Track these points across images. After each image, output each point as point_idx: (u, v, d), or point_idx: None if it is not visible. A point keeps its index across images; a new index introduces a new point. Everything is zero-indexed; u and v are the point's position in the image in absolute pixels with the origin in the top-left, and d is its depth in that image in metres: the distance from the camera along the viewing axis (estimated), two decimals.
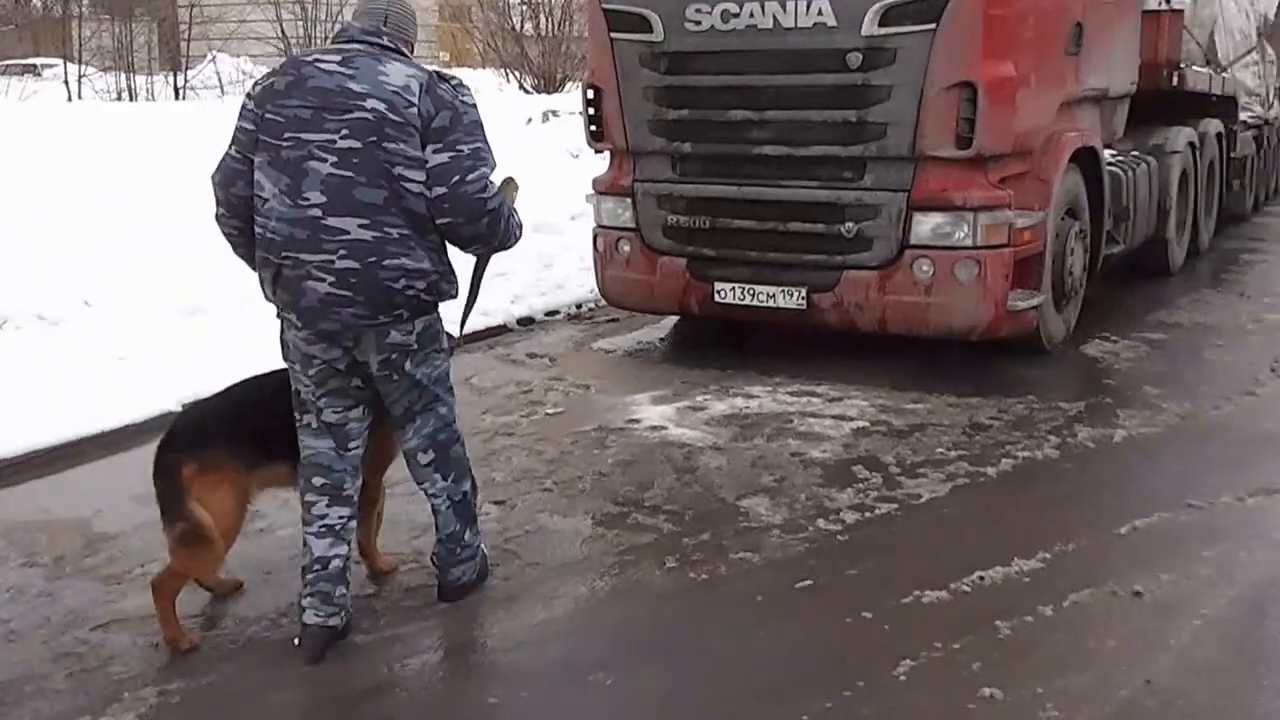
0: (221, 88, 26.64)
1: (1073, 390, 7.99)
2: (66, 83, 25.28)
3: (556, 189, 12.44)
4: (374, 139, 4.32)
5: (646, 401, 7.82)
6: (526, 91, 27.87)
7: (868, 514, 5.95)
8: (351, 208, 4.32)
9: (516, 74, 29.37)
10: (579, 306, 10.65)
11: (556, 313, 10.43)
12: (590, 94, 8.91)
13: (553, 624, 4.92)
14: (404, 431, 4.81)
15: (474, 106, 4.54)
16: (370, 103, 4.33)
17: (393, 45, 4.56)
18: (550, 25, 28.69)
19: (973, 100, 7.54)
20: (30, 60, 28.63)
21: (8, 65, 27.99)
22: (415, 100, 4.37)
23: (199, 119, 17.45)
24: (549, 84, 28.13)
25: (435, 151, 4.39)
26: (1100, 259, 9.44)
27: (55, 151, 13.75)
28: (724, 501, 6.15)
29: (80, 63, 26.15)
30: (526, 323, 10.09)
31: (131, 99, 25.44)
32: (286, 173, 4.34)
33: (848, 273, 8.06)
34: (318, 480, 4.67)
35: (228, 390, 5.05)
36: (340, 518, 4.70)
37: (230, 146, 4.52)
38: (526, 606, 5.05)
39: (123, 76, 26.44)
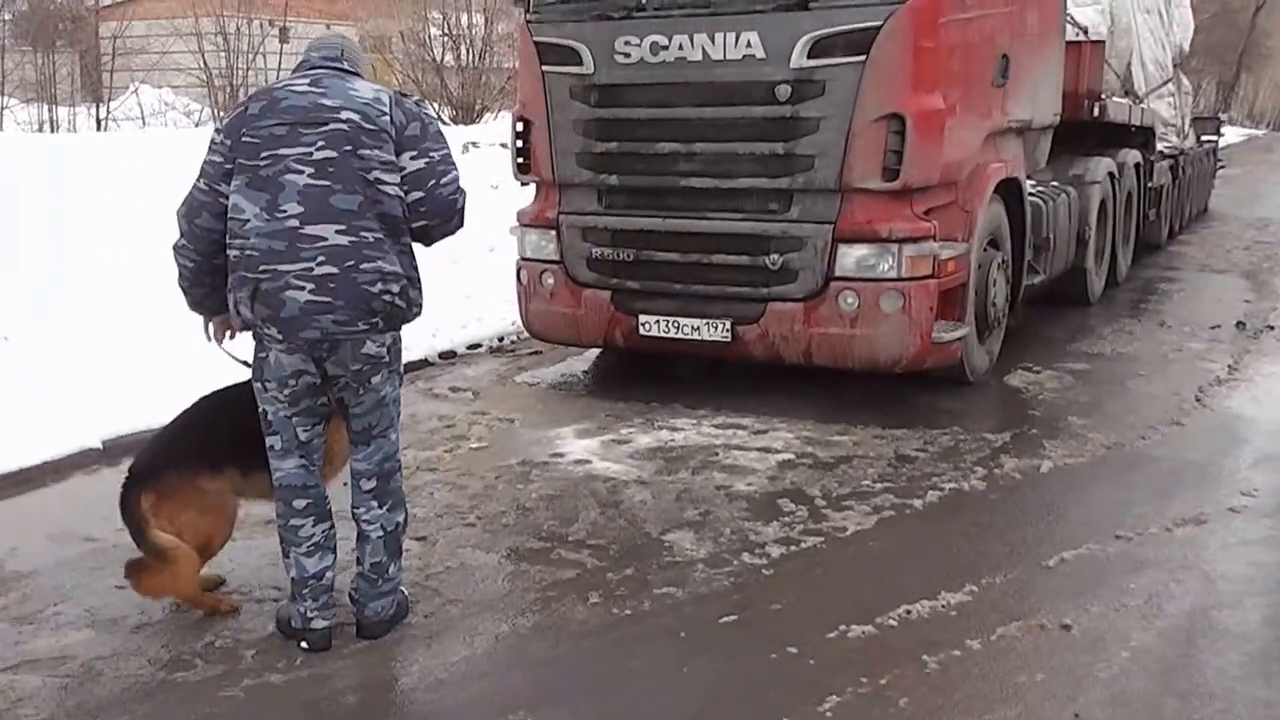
0: (143, 119, 26.33)
1: (998, 421, 8.02)
2: None
3: (476, 220, 12.25)
4: (349, 147, 4.54)
5: (571, 435, 7.75)
6: (445, 123, 27.73)
7: (793, 547, 5.91)
8: (328, 215, 4.50)
9: (436, 105, 29.26)
10: (501, 339, 10.54)
11: (479, 345, 10.32)
12: (520, 126, 8.85)
13: (474, 661, 4.85)
14: (359, 451, 4.93)
15: (435, 119, 4.88)
16: (345, 114, 4.57)
17: (353, 70, 4.83)
18: (471, 56, 28.62)
19: (901, 132, 7.55)
20: None
21: None
22: (387, 110, 4.64)
23: (121, 150, 17.25)
24: (468, 114, 28.05)
25: (412, 159, 4.67)
26: (1022, 289, 9.49)
27: None
28: (648, 536, 6.09)
29: (2, 94, 25.76)
30: (448, 356, 9.97)
31: (53, 130, 25.09)
32: (265, 189, 4.52)
33: (773, 305, 8.02)
34: (299, 503, 4.85)
35: (176, 418, 5.24)
36: (324, 533, 4.92)
37: (199, 179, 4.67)
38: (447, 644, 4.97)
39: (45, 108, 26.08)
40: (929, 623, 5.09)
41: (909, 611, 5.16)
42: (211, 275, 4.79)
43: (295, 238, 4.49)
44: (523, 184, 9.19)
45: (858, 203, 7.78)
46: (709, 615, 5.19)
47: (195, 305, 5.00)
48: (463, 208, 4.86)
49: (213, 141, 4.69)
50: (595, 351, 9.67)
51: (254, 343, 4.77)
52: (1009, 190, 8.95)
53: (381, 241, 4.60)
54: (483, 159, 18.20)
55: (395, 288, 4.64)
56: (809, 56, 7.63)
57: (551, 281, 8.80)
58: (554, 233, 8.75)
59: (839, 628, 5.01)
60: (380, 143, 4.60)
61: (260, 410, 4.81)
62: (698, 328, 8.21)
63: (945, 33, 7.79)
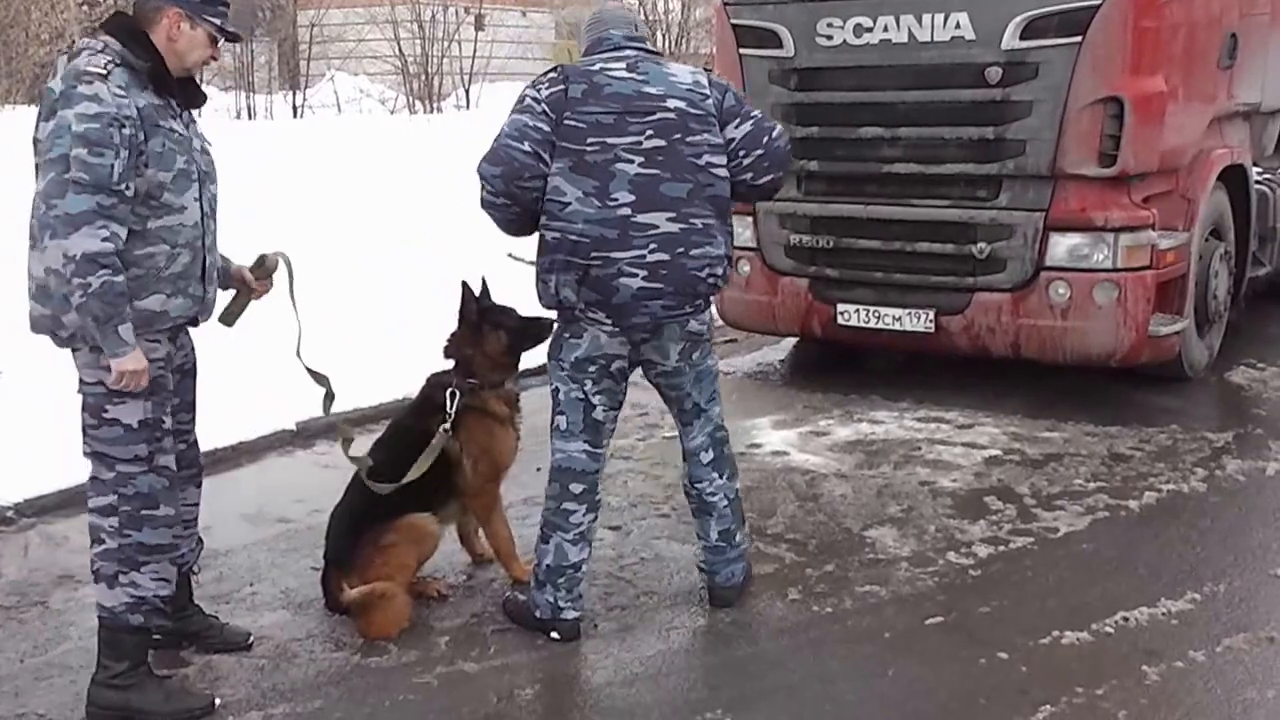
0: (339, 106, 26.94)
1: (1219, 420, 7.65)
2: None
3: None
4: (678, 135, 4.64)
5: (767, 425, 7.62)
6: None
7: (1001, 547, 5.71)
8: (660, 203, 4.61)
9: None
10: None
11: None
12: None
13: (669, 657, 4.77)
14: (689, 429, 5.06)
15: None
16: (670, 102, 4.66)
17: (653, 49, 4.93)
18: (667, 42, 28.62)
19: (1119, 116, 7.24)
20: None
21: None
22: (708, 92, 4.75)
23: (317, 136, 17.66)
24: None
25: (737, 126, 4.77)
26: (1245, 282, 9.06)
27: None
28: (849, 531, 5.94)
29: (202, 82, 26.62)
30: None
31: (251, 117, 25.82)
32: (593, 176, 4.59)
33: (979, 295, 7.78)
34: (575, 487, 4.87)
35: (346, 494, 5.26)
36: (591, 523, 4.94)
37: (516, 140, 4.63)
38: (642, 638, 4.90)
39: (243, 95, 26.87)
40: (1148, 631, 4.87)
41: (1126, 619, 4.94)
42: (534, 220, 4.80)
43: (627, 226, 4.58)
44: None
45: (1071, 189, 7.49)
46: (913, 616, 5.04)
47: (547, 272, 4.86)
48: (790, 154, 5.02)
49: (530, 108, 4.67)
50: (791, 341, 9.51)
51: (559, 323, 4.88)
52: (1233, 178, 8.53)
53: (710, 226, 4.71)
54: None
55: (720, 270, 4.77)
56: (1021, 38, 7.37)
57: (748, 269, 8.66)
58: (751, 219, 8.59)
59: (1051, 633, 4.83)
60: (707, 127, 4.70)
61: (552, 388, 4.90)
62: (899, 318, 7.99)
63: (1168, 11, 7.45)
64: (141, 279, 4.16)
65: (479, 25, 29.26)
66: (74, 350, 4.23)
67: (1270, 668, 4.57)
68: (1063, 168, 7.44)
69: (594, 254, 4.60)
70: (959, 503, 6.26)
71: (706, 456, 5.05)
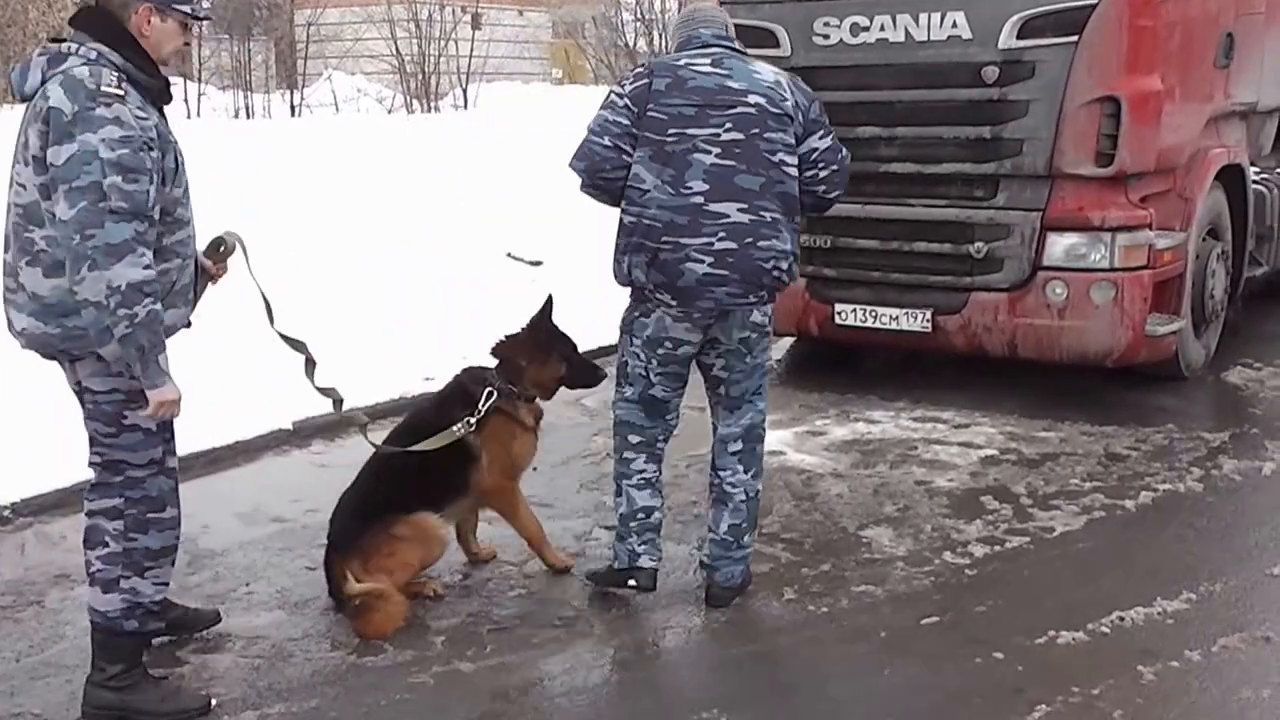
0: (337, 105, 26.94)
1: (1215, 419, 7.65)
2: (186, 101, 25.70)
3: None
4: (756, 130, 4.83)
5: None
6: None
7: (997, 547, 5.71)
8: (732, 194, 4.80)
9: None
10: None
11: None
12: None
13: (664, 656, 4.78)
14: (727, 417, 5.20)
15: None
16: (751, 98, 4.85)
17: (740, 48, 5.08)
18: (664, 41, 28.61)
19: (1115, 116, 7.24)
20: None
21: None
22: (788, 95, 4.92)
23: (315, 136, 17.64)
24: None
25: (821, 138, 5.00)
26: (1242, 281, 9.06)
27: None
28: (845, 531, 5.94)
29: (200, 81, 26.59)
30: None
31: (249, 117, 25.83)
32: (670, 165, 4.81)
33: (976, 294, 7.78)
34: (634, 438, 5.16)
35: (355, 480, 5.34)
36: (655, 472, 5.19)
37: (599, 136, 4.92)
38: (637, 637, 4.91)
39: (240, 95, 26.88)
40: (1144, 631, 4.87)
41: (1122, 619, 4.93)
42: None
43: (699, 214, 4.78)
44: None
45: (1069, 189, 7.49)
46: (909, 616, 5.03)
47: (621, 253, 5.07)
48: None
49: (613, 104, 4.94)
50: (788, 340, 9.47)
51: (633, 302, 5.09)
52: (1231, 177, 8.53)
53: (778, 221, 4.87)
54: None
55: (785, 265, 4.93)
56: (1018, 37, 7.36)
57: None
58: None
59: (1047, 633, 4.82)
60: (784, 126, 4.88)
61: (620, 360, 5.17)
62: (896, 317, 7.98)
63: (1164, 10, 7.43)
64: (161, 295, 4.08)
65: (476, 24, 29.28)
66: (74, 361, 4.16)
67: (1266, 667, 4.57)
68: (1060, 167, 7.44)
69: (664, 238, 4.81)
70: (955, 502, 6.25)
71: (734, 447, 5.17)
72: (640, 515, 5.11)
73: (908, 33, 7.66)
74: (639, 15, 29.44)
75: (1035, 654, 4.69)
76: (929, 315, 7.90)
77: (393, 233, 11.83)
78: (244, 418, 7.32)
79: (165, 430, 4.28)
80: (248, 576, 5.48)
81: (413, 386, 7.72)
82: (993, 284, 7.73)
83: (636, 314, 5.07)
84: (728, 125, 4.81)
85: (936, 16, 7.54)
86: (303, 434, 7.35)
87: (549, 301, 5.43)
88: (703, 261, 4.78)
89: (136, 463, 4.23)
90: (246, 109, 26.52)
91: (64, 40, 4.13)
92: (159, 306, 3.97)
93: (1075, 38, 7.24)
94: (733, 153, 4.80)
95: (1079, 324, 7.54)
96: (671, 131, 4.82)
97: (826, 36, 7.92)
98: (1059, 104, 7.34)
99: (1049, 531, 5.87)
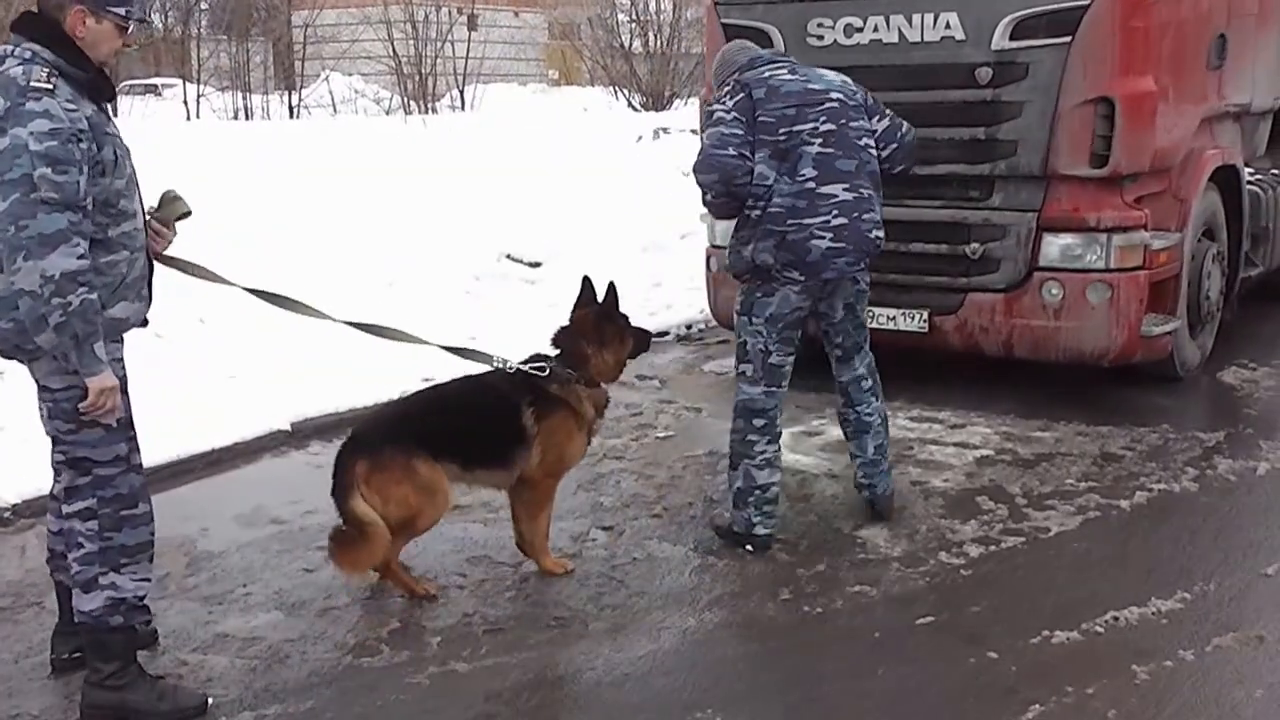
0: (334, 106, 26.95)
1: (1210, 420, 7.67)
2: (185, 102, 25.75)
3: (667, 207, 12.28)
4: (843, 121, 5.61)
5: None
6: (635, 109, 27.86)
7: (992, 547, 5.72)
8: (836, 176, 5.56)
9: (625, 92, 29.39)
10: (688, 327, 10.43)
11: (666, 333, 10.21)
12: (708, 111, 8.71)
13: (660, 657, 4.77)
14: (850, 364, 5.96)
15: None
16: (833, 95, 5.65)
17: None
18: (659, 42, 28.67)
19: (1109, 116, 7.24)
20: (151, 80, 29.26)
21: (130, 85, 28.62)
22: (855, 89, 5.76)
23: (312, 136, 17.65)
24: (657, 101, 28.07)
25: (878, 121, 5.81)
26: (1238, 282, 9.07)
27: (173, 169, 13.89)
28: (840, 532, 5.95)
29: (199, 82, 26.63)
30: None
31: (247, 118, 25.84)
32: (786, 159, 5.54)
33: (972, 295, 7.79)
34: (757, 422, 5.77)
35: (411, 395, 5.70)
36: (774, 452, 5.82)
37: (723, 148, 5.53)
38: (633, 638, 4.90)
39: (239, 96, 26.91)
40: (1138, 630, 4.88)
41: (1116, 618, 4.95)
42: (743, 204, 5.66)
43: (813, 197, 5.51)
44: None
45: (1064, 190, 7.51)
46: (904, 616, 5.05)
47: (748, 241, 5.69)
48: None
49: (722, 119, 5.57)
50: None
51: (754, 284, 5.70)
52: (1225, 178, 8.53)
53: (871, 196, 5.67)
54: (673, 145, 18.20)
55: (881, 232, 5.75)
56: (1011, 38, 7.37)
57: None
58: None
59: (1042, 633, 4.84)
60: (861, 115, 5.70)
61: (739, 341, 5.85)
62: (893, 317, 7.98)
63: (1157, 12, 7.44)
64: (110, 287, 4.15)
65: (472, 26, 29.27)
66: (31, 363, 4.20)
67: (1259, 667, 4.59)
68: (1055, 168, 7.45)
69: (789, 222, 5.51)
70: (950, 503, 6.26)
71: (866, 384, 5.97)
72: (758, 491, 5.70)
73: (901, 34, 7.67)
74: (634, 17, 29.46)
75: (1030, 654, 4.70)
76: (925, 315, 7.91)
77: (391, 233, 11.82)
78: (242, 419, 7.33)
79: (127, 427, 4.32)
80: (245, 578, 5.49)
81: (411, 387, 7.71)
82: (989, 284, 7.74)
83: (758, 295, 5.70)
84: (822, 119, 5.55)
85: (930, 17, 7.55)
86: (300, 435, 7.37)
87: (587, 283, 5.55)
88: (824, 237, 5.51)
89: (101, 459, 4.26)
90: (245, 110, 26.55)
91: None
92: (94, 296, 4.02)
93: (1068, 39, 7.24)
94: (831, 142, 5.54)
95: (1075, 324, 7.55)
96: (781, 131, 5.51)
97: (820, 38, 7.92)
98: (1053, 105, 7.35)
99: (1044, 532, 5.88)
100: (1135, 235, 7.45)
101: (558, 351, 5.42)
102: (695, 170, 5.66)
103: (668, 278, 11.38)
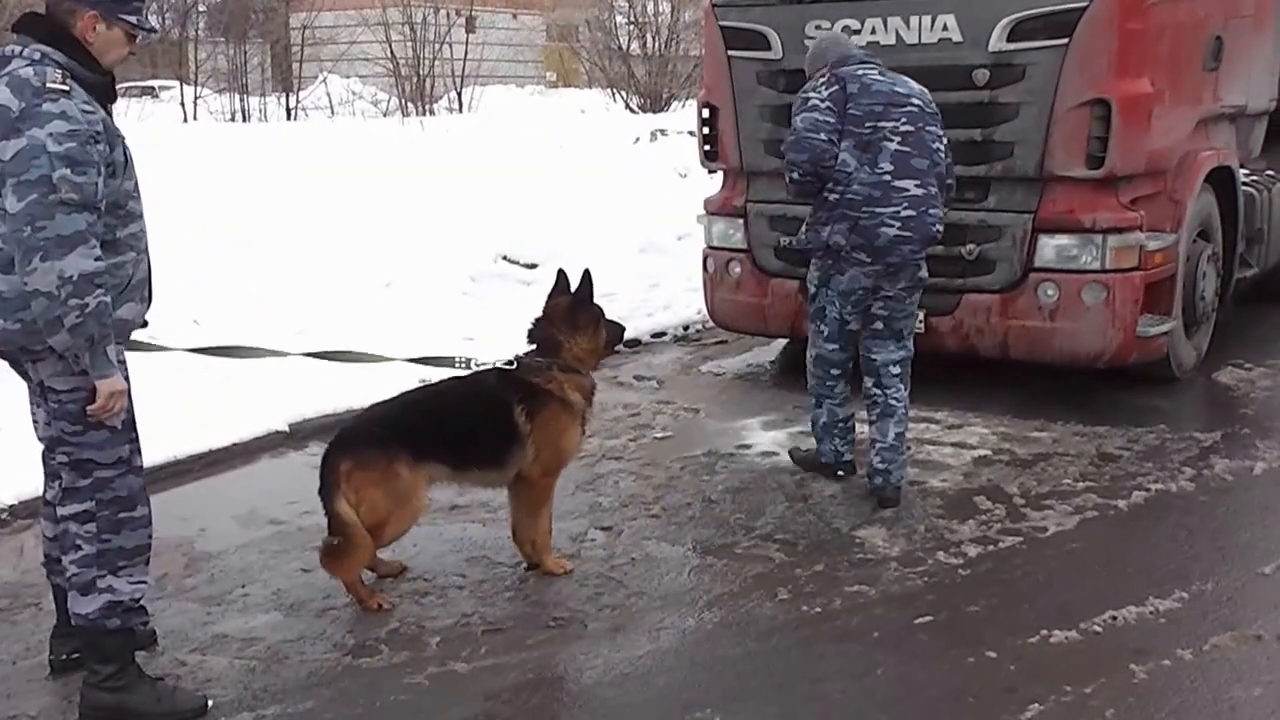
0: (332, 108, 26.91)
1: (1207, 420, 7.68)
2: (183, 104, 25.69)
3: (664, 209, 12.30)
4: (920, 124, 6.12)
5: (757, 426, 7.64)
6: (633, 111, 27.81)
7: (990, 547, 5.73)
8: (910, 172, 6.06)
9: (623, 93, 29.36)
10: (686, 328, 10.43)
11: (663, 334, 10.24)
12: (705, 112, 8.75)
13: (659, 657, 4.77)
14: (885, 345, 6.37)
15: None
16: (914, 99, 6.15)
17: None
18: (657, 44, 28.60)
19: (1105, 118, 7.26)
20: (148, 82, 29.20)
21: (128, 87, 28.57)
22: (930, 98, 6.23)
23: (310, 138, 17.62)
24: (655, 103, 28.01)
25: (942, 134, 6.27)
26: (1233, 283, 9.07)
27: (170, 171, 13.88)
28: (838, 531, 5.96)
29: (196, 84, 26.58)
30: (633, 344, 9.84)
31: (245, 120, 25.80)
32: (867, 151, 6.05)
33: (968, 296, 7.81)
34: (834, 371, 6.49)
35: (402, 395, 5.56)
36: (847, 391, 6.58)
37: (815, 133, 6.03)
38: (632, 637, 4.91)
39: (236, 98, 26.85)
40: (1136, 630, 4.89)
41: (1114, 617, 4.95)
42: (824, 186, 6.14)
43: (888, 189, 6.02)
44: (710, 171, 9.09)
45: (1059, 191, 7.52)
46: (902, 616, 5.05)
47: (820, 223, 6.25)
48: None
49: (815, 107, 6.07)
50: (782, 341, 9.50)
51: (826, 261, 6.28)
52: (1221, 179, 8.54)
53: (937, 194, 6.17)
54: (670, 147, 18.22)
55: (940, 226, 6.22)
56: (1008, 40, 7.39)
57: (738, 270, 8.68)
58: (741, 221, 8.62)
59: (1040, 632, 4.84)
60: (935, 123, 6.19)
61: (817, 306, 6.46)
62: None
63: (1154, 14, 7.47)
64: (118, 289, 4.15)
65: (470, 27, 29.26)
66: (35, 364, 4.19)
67: (1257, 666, 4.59)
68: (1050, 170, 7.47)
69: (864, 209, 6.02)
70: (948, 502, 6.27)
71: (895, 370, 6.37)
72: (841, 423, 6.54)
73: (899, 35, 7.69)
74: (632, 19, 29.42)
75: (1028, 653, 4.71)
76: (922, 316, 7.86)
77: (388, 234, 11.83)
78: (240, 420, 7.34)
79: (130, 428, 4.32)
80: (244, 578, 5.50)
81: (409, 388, 7.73)
82: (985, 285, 7.75)
83: (832, 272, 6.28)
84: (903, 120, 6.05)
85: (927, 19, 7.58)
86: (299, 436, 7.38)
87: (562, 275, 5.55)
88: (893, 226, 6.01)
89: (104, 462, 4.26)
90: (243, 112, 26.49)
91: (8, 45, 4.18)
92: (109, 298, 4.03)
93: (1065, 40, 7.26)
94: (909, 141, 6.05)
95: (1070, 325, 7.56)
96: (867, 125, 6.02)
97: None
98: (1049, 107, 7.36)
99: (1042, 531, 5.89)
100: (1131, 236, 7.46)
101: (533, 345, 5.43)
102: (786, 149, 6.17)
103: (665, 279, 11.39)
